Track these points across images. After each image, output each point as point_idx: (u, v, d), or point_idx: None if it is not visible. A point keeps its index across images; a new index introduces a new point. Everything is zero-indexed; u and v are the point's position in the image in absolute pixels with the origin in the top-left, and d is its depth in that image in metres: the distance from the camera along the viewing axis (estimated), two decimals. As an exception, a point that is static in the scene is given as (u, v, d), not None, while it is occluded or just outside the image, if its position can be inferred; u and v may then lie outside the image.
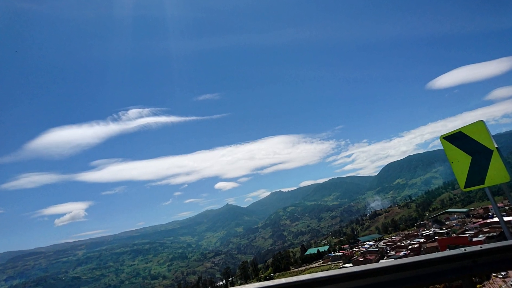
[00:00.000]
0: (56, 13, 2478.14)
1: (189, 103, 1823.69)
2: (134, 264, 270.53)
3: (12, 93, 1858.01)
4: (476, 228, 46.83)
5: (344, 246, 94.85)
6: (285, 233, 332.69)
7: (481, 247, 2.46)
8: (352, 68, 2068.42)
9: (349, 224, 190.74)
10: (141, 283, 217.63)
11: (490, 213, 63.61)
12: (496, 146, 3.46)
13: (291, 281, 2.01)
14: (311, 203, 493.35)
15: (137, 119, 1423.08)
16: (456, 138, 3.83)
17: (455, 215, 77.19)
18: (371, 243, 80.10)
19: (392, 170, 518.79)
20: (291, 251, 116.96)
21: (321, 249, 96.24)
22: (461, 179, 3.78)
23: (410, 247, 49.39)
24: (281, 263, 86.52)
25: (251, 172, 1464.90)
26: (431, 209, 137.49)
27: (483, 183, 3.56)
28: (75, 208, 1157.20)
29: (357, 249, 73.87)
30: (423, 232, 63.50)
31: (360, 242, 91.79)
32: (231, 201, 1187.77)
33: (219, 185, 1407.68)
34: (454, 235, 44.90)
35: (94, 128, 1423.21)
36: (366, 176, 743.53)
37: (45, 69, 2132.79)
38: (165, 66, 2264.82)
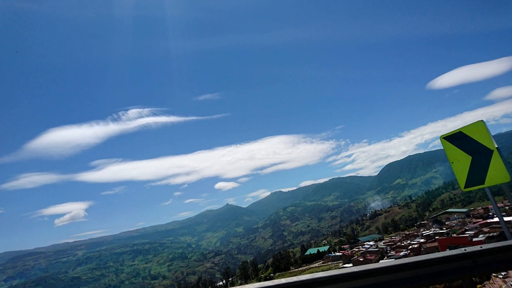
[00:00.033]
0: (56, 13, 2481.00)
1: (189, 103, 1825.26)
2: (134, 264, 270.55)
3: (12, 93, 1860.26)
4: (476, 228, 46.81)
5: (344, 246, 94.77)
6: (285, 233, 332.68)
7: (481, 247, 2.46)
8: (352, 68, 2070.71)
9: (349, 224, 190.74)
10: (141, 283, 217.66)
11: (490, 213, 63.60)
12: (496, 146, 3.46)
13: (291, 281, 2.01)
14: (311, 203, 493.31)
15: (137, 119, 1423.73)
16: (456, 138, 3.83)
17: (455, 215, 77.16)
18: (371, 243, 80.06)
19: (392, 170, 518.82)
20: (291, 251, 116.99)
21: (321, 249, 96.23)
22: (461, 179, 3.78)
23: (410, 247, 49.38)
24: (281, 263, 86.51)
25: (251, 172, 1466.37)
26: (431, 209, 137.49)
27: (483, 183, 3.56)
28: (75, 208, 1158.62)
29: (357, 249, 73.83)
30: (423, 232, 63.50)
31: (360, 242, 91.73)
32: (231, 201, 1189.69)
33: (219, 185, 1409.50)
34: (454, 235, 44.88)
35: (94, 128, 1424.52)
36: (366, 176, 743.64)
37: (45, 69, 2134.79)
38: (165, 66, 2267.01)
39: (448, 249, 3.25)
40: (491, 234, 36.89)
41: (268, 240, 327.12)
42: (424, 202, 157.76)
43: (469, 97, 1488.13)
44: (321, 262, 77.01)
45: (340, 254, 72.56)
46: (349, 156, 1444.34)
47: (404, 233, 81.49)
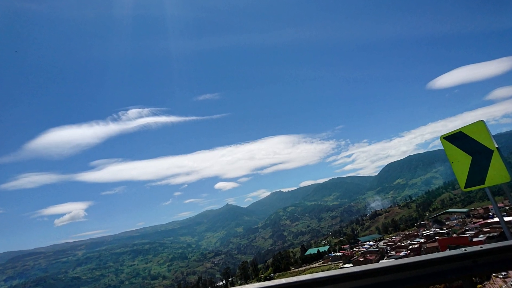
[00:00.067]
0: (56, 13, 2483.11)
1: (189, 103, 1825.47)
2: (134, 264, 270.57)
3: (12, 93, 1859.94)
4: (476, 228, 46.78)
5: (344, 246, 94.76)
6: (285, 233, 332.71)
7: (481, 247, 2.45)
8: (352, 68, 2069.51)
9: (349, 224, 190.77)
10: (141, 283, 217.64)
11: (491, 213, 63.57)
12: (496, 146, 3.46)
13: (291, 281, 2.01)
14: (311, 203, 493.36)
15: (137, 119, 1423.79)
16: (457, 138, 3.82)
17: (456, 215, 77.14)
18: (371, 243, 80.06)
19: (392, 170, 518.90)
20: (291, 251, 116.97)
21: (321, 249, 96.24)
22: (462, 179, 3.78)
23: (410, 247, 49.36)
24: (281, 263, 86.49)
25: (251, 172, 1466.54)
26: (431, 209, 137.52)
27: (483, 183, 3.55)
28: (75, 208, 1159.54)
29: (357, 249, 73.81)
30: (423, 232, 63.49)
31: (360, 242, 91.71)
32: (231, 201, 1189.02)
33: (219, 185, 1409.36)
34: (455, 235, 44.86)
35: (94, 128, 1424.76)
36: (366, 176, 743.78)
37: (45, 69, 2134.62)
38: (165, 66, 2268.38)
39: (448, 249, 3.24)
40: (491, 234, 36.84)
41: (268, 240, 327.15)
42: (424, 202, 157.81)
43: (469, 97, 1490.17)
44: (321, 262, 77.01)
45: (340, 254, 72.57)
46: (349, 156, 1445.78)
47: (404, 233, 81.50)
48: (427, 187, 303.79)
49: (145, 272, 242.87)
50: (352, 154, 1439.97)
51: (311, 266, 76.51)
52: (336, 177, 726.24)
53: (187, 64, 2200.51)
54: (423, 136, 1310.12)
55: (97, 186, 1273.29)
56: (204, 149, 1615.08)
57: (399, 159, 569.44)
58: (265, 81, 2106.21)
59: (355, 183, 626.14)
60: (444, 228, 61.08)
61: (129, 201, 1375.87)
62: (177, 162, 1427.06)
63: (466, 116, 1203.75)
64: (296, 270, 76.09)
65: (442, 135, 4.01)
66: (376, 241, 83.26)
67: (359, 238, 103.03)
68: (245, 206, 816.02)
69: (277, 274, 77.80)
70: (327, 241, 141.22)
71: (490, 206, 67.41)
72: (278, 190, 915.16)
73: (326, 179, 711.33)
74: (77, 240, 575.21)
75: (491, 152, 3.47)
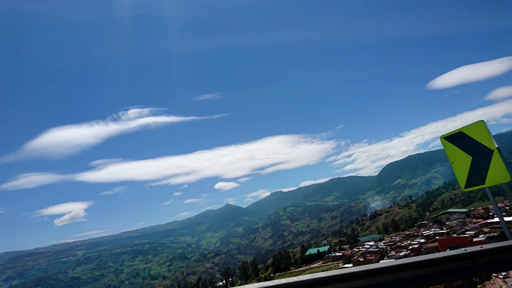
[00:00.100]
0: (56, 13, 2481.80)
1: (189, 103, 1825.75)
2: (134, 265, 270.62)
3: (12, 93, 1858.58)
4: (476, 228, 46.76)
5: (344, 246, 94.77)
6: (285, 233, 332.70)
7: (481, 247, 2.45)
8: (352, 68, 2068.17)
9: (349, 224, 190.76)
10: (140, 284, 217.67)
11: (491, 213, 63.54)
12: (496, 146, 3.46)
13: (291, 281, 2.01)
14: (311, 203, 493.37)
15: (137, 119, 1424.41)
16: (457, 138, 3.82)
17: (456, 215, 77.13)
18: (371, 243, 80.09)
19: (393, 170, 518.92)
20: (291, 251, 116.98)
21: (321, 249, 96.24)
22: (462, 179, 3.78)
23: (411, 247, 49.36)
24: (281, 264, 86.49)
25: (251, 172, 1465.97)
26: (431, 209, 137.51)
27: (483, 183, 3.55)
28: (75, 208, 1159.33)
29: (357, 249, 73.82)
30: (424, 232, 63.48)
31: (360, 242, 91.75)
32: (231, 201, 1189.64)
33: (219, 185, 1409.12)
34: (455, 235, 44.84)
35: (93, 128, 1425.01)
36: (366, 176, 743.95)
37: (45, 69, 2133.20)
38: (165, 66, 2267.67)
39: (448, 249, 3.24)
40: (491, 234, 36.83)
41: (268, 240, 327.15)
42: (425, 202, 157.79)
43: (469, 97, 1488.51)
44: (321, 262, 77.02)
45: (340, 254, 72.57)
46: (349, 156, 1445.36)
47: (404, 233, 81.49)
48: (427, 187, 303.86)
49: (145, 272, 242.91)
50: (352, 154, 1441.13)
51: (311, 266, 76.50)
52: (336, 177, 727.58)
53: (187, 64, 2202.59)
54: (423, 136, 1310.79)
55: (97, 186, 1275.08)
56: (204, 149, 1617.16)
57: (399, 159, 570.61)
58: (265, 81, 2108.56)
59: (355, 183, 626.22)
60: (444, 228, 61.06)
61: (129, 201, 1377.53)
62: (177, 162, 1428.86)
63: (466, 116, 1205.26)
64: (296, 270, 76.08)
65: (442, 135, 4.01)
66: (376, 241, 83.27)
67: (359, 238, 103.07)
68: (245, 206, 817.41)
69: (277, 274, 77.81)
70: (327, 241, 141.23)
71: (490, 206, 67.39)
72: (278, 190, 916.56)
73: (326, 179, 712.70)
74: (77, 240, 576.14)
75: (491, 152, 3.47)
